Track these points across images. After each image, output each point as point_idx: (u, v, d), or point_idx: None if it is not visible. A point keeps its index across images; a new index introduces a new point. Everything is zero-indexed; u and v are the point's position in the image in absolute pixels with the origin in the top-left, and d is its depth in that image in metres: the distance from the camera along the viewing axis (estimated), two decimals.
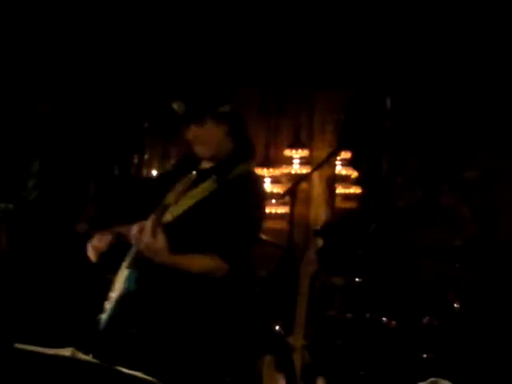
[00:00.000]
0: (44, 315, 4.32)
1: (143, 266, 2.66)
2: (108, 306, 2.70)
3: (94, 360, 1.96)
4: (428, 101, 5.84)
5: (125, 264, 2.73)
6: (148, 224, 2.58)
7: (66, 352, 1.95)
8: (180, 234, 2.65)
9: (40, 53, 5.54)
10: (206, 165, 2.89)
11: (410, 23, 5.67)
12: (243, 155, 2.88)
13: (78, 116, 5.12)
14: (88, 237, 4.45)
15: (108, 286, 2.77)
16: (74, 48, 5.66)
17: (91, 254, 2.82)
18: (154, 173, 6.37)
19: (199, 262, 2.67)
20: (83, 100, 5.45)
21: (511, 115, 5.47)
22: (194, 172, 2.70)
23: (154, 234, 2.56)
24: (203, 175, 2.80)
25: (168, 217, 2.67)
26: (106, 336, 2.70)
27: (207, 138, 2.81)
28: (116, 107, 5.83)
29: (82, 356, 1.96)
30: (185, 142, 2.92)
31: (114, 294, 2.69)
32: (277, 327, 4.06)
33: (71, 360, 1.93)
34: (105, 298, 2.73)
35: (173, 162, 6.34)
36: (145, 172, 6.35)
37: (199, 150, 2.85)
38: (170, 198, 2.69)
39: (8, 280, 4.39)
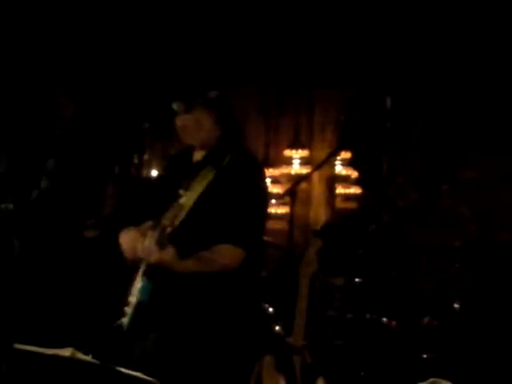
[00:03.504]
0: (49, 318, 4.31)
1: (157, 274, 2.65)
2: (128, 310, 2.70)
3: (94, 360, 1.96)
4: (428, 101, 5.84)
5: (140, 271, 2.72)
6: (150, 240, 2.57)
7: (66, 352, 1.95)
8: (191, 232, 2.63)
9: (50, 50, 5.57)
10: (197, 156, 2.87)
11: (410, 23, 5.67)
12: (232, 139, 2.84)
13: (97, 116, 5.12)
14: (97, 242, 4.46)
15: (118, 290, 2.78)
16: (79, 49, 5.67)
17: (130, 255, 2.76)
18: (154, 173, 6.37)
19: (215, 257, 2.65)
20: (100, 99, 5.47)
21: (510, 115, 5.47)
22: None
23: (161, 247, 2.55)
24: (197, 168, 2.78)
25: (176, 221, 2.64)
26: (128, 339, 2.71)
27: (197, 126, 2.78)
28: (116, 107, 5.84)
29: (81, 356, 1.96)
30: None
31: (133, 300, 2.70)
32: (277, 327, 4.06)
33: (71, 360, 1.93)
34: (124, 302, 2.73)
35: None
36: (145, 172, 6.35)
37: (189, 138, 2.81)
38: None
39: (15, 282, 4.39)
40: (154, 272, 2.66)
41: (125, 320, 2.70)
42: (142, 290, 2.67)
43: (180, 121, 2.80)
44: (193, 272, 2.64)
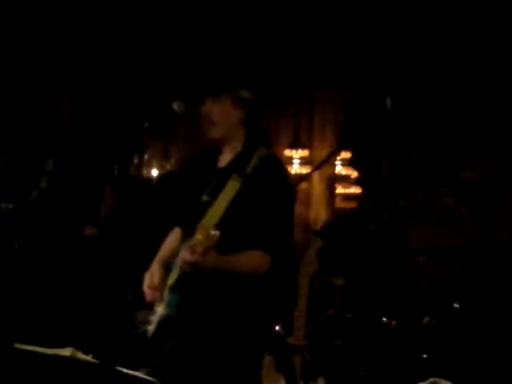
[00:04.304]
0: (49, 318, 4.32)
1: (185, 287, 2.65)
2: (154, 319, 2.70)
3: (94, 360, 1.96)
4: (428, 101, 5.84)
5: (169, 282, 2.71)
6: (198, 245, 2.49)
7: (66, 352, 1.95)
8: (223, 241, 2.55)
9: (49, 50, 5.57)
10: (222, 161, 2.81)
11: (410, 23, 5.67)
12: (255, 144, 2.76)
13: (96, 116, 5.13)
14: (95, 241, 4.47)
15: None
16: (79, 49, 5.67)
17: (149, 297, 2.75)
18: (154, 173, 6.37)
19: (244, 262, 2.63)
20: (99, 99, 5.46)
21: (511, 115, 5.47)
22: None
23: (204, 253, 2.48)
24: (222, 174, 2.75)
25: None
26: (151, 346, 2.71)
27: (220, 118, 2.71)
28: (116, 107, 5.83)
29: (81, 356, 1.96)
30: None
31: (159, 310, 2.69)
32: (277, 327, 4.06)
33: (71, 360, 1.93)
34: (150, 310, 2.74)
35: (173, 161, 6.35)
36: (145, 172, 6.35)
37: (210, 129, 2.75)
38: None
39: (15, 279, 4.39)
40: (182, 286, 2.65)
41: (150, 328, 2.70)
42: (169, 304, 2.67)
43: (205, 109, 2.74)
44: (221, 270, 2.60)
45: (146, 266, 2.84)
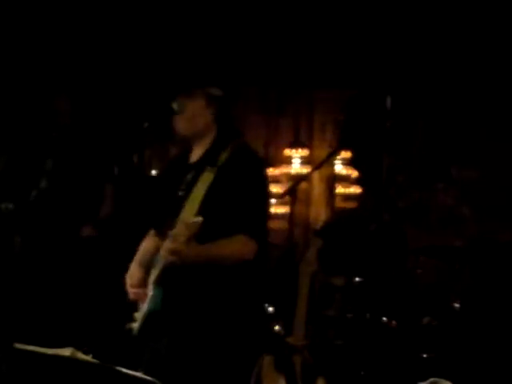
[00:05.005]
0: (47, 317, 4.32)
1: (168, 281, 2.65)
2: (138, 316, 2.70)
3: (94, 360, 1.95)
4: (428, 100, 5.84)
5: (151, 279, 2.72)
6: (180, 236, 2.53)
7: (66, 352, 1.95)
8: (202, 233, 2.59)
9: (49, 50, 5.57)
10: (193, 157, 2.85)
11: (410, 23, 5.67)
12: (227, 139, 2.81)
13: (96, 116, 5.13)
14: (93, 241, 4.48)
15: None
16: (78, 48, 5.67)
17: (132, 295, 2.79)
18: (154, 173, 6.36)
19: (229, 247, 2.65)
20: (99, 99, 5.46)
21: (511, 115, 5.47)
22: None
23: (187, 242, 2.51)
24: (194, 168, 2.77)
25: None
26: (138, 343, 2.72)
27: (192, 115, 2.77)
28: (116, 107, 5.83)
29: (81, 356, 1.96)
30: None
31: (143, 307, 2.70)
32: (277, 327, 4.06)
33: (71, 360, 1.93)
34: (134, 308, 2.75)
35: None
36: (145, 172, 6.34)
37: (180, 125, 2.80)
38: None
39: (15, 281, 4.40)
40: (165, 279, 2.65)
41: (134, 325, 2.70)
42: (154, 299, 2.67)
43: (178, 106, 2.79)
44: (206, 258, 2.62)
45: None
